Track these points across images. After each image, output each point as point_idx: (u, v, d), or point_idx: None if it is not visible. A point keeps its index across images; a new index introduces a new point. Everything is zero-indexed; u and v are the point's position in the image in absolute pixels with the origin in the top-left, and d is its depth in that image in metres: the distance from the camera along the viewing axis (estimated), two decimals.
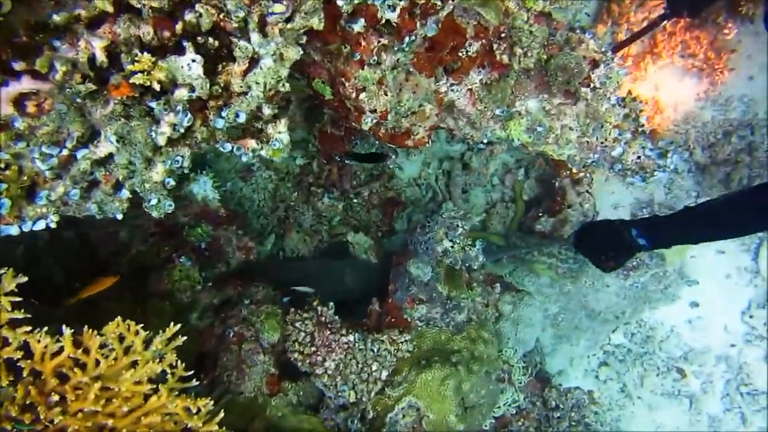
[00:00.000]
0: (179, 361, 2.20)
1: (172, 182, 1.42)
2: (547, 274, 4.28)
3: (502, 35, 2.00)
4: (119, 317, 2.12)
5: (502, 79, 2.13)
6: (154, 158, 1.36)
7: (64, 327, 2.00)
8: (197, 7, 1.28)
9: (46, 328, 1.99)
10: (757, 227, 3.10)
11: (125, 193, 1.42)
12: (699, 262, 4.61)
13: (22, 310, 1.97)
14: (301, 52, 1.42)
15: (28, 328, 1.96)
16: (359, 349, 2.83)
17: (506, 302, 3.62)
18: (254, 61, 1.36)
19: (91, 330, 2.06)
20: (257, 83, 1.38)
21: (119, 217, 1.47)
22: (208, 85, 1.33)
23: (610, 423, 4.83)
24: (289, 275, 3.55)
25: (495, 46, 1.97)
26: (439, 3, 1.67)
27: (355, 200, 3.78)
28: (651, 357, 4.76)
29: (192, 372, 2.20)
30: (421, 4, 1.63)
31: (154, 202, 1.45)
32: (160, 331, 2.19)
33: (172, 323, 2.21)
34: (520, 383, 3.53)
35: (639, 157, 2.40)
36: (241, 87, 1.38)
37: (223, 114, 1.38)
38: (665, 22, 2.84)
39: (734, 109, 4.31)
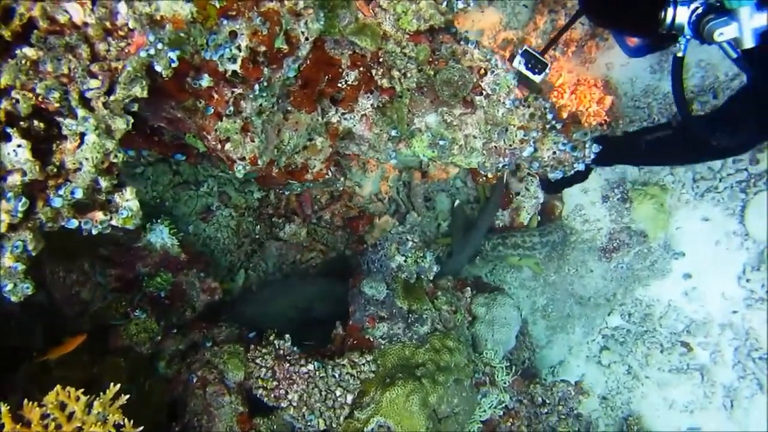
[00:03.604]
0: (126, 419, 2.24)
1: (19, 267, 1.46)
2: (527, 264, 4.26)
3: (380, 60, 2.01)
4: (58, 386, 2.16)
5: (395, 101, 2.15)
6: (4, 245, 1.41)
7: (0, 404, 2.05)
8: (13, 93, 1.32)
9: None
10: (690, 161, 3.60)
11: None
12: (685, 232, 4.53)
13: None
14: (131, 121, 1.46)
15: None
16: (320, 377, 2.85)
17: (479, 304, 3.61)
18: (82, 137, 1.40)
19: (30, 402, 2.11)
20: (86, 159, 1.42)
21: None
22: (38, 167, 1.37)
23: (621, 406, 4.76)
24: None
25: (374, 71, 1.98)
26: (285, 47, 1.69)
27: (317, 224, 3.82)
28: (652, 335, 4.68)
29: (140, 428, 2.24)
30: (263, 51, 1.65)
31: (9, 287, 1.49)
32: (101, 393, 2.23)
33: (111, 384, 2.25)
34: (505, 383, 3.51)
35: (554, 153, 2.39)
36: (74, 164, 1.42)
37: (60, 193, 1.43)
38: (577, 19, 2.87)
39: (693, 76, 4.24)
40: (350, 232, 3.89)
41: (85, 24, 1.36)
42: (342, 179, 3.52)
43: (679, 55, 2.56)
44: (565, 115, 3.72)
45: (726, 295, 4.59)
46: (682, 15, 2.43)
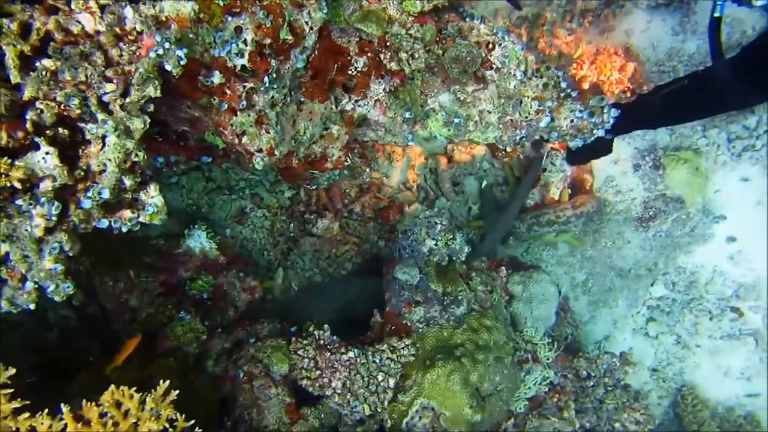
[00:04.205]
0: (178, 414, 2.34)
1: (59, 268, 1.55)
2: (564, 239, 4.23)
3: (387, 44, 2.06)
4: (113, 386, 2.27)
5: (407, 83, 2.18)
6: (43, 248, 1.51)
7: (62, 405, 2.17)
8: (37, 104, 1.41)
9: (46, 411, 2.17)
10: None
11: (29, 285, 1.57)
12: (724, 195, 4.45)
13: (18, 399, 2.14)
14: (148, 121, 1.53)
15: (27, 414, 2.14)
16: (362, 363, 2.91)
17: (516, 283, 3.60)
18: (104, 139, 1.49)
19: (89, 402, 2.22)
20: (109, 160, 1.50)
21: (31, 307, 1.62)
22: (66, 172, 1.46)
23: (673, 377, 4.70)
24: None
25: (382, 56, 2.03)
26: (290, 38, 1.74)
27: (349, 217, 3.88)
28: (699, 302, 4.60)
29: (192, 422, 2.33)
30: (268, 43, 1.71)
31: (52, 288, 1.59)
32: (152, 391, 2.33)
33: (161, 380, 2.35)
34: (548, 360, 3.50)
35: (572, 121, 2.39)
36: (99, 166, 1.51)
37: (88, 194, 1.51)
38: None
39: None
40: (382, 223, 3.94)
41: (97, 32, 1.44)
42: (368, 170, 3.58)
43: (716, 15, 2.52)
44: (586, 86, 3.70)
45: None
46: None
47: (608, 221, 4.28)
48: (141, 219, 1.64)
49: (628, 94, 3.83)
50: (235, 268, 3.50)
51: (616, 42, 4.05)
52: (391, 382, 2.92)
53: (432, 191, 3.99)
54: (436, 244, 3.11)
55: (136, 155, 1.54)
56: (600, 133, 2.44)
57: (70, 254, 1.56)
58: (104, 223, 1.59)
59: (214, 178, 3.87)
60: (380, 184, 3.92)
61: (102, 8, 1.41)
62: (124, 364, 2.84)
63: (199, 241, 3.45)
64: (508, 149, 2.45)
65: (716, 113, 3.96)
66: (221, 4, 1.61)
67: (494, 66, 2.19)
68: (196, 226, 3.45)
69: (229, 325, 3.33)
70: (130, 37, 1.46)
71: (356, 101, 2.16)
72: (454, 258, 3.18)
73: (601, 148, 3.24)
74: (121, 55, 1.46)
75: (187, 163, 3.00)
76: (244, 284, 3.50)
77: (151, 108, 1.55)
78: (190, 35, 1.60)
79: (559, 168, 3.71)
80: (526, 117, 2.29)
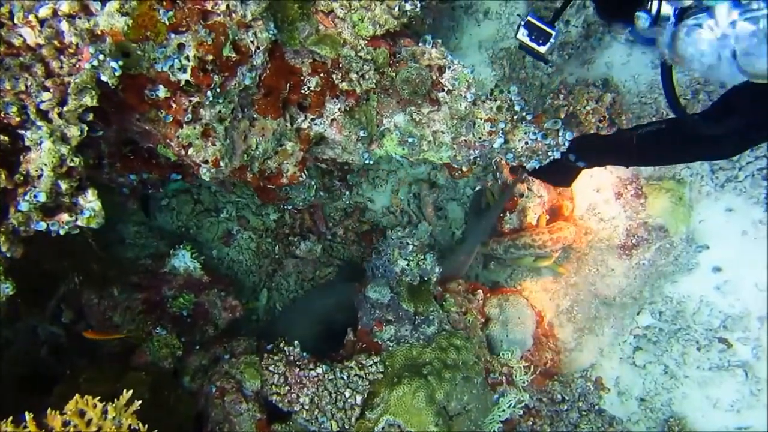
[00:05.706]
0: (140, 423, 2.42)
1: None
2: (546, 265, 4.27)
3: (339, 65, 2.18)
4: (77, 395, 2.37)
5: (362, 104, 2.29)
6: None
7: (26, 413, 2.26)
8: None
9: (11, 418, 2.26)
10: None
11: None
12: (709, 225, 4.47)
13: None
14: (86, 129, 1.66)
15: None
16: (329, 380, 2.97)
17: (493, 306, 3.66)
18: (40, 144, 1.61)
19: (53, 411, 2.32)
20: (45, 164, 1.62)
21: None
22: (3, 176, 1.58)
23: (661, 408, 4.66)
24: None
25: (334, 76, 2.15)
26: (234, 55, 1.87)
27: (332, 240, 3.98)
28: (687, 332, 4.58)
29: None
30: (210, 60, 1.84)
31: None
32: (115, 400, 2.43)
33: (124, 390, 2.45)
34: (524, 383, 3.53)
35: (527, 143, 2.48)
36: (36, 170, 1.63)
37: (26, 198, 1.63)
38: None
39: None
40: (365, 246, 4.03)
41: (39, 45, 1.58)
42: (348, 193, 3.69)
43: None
44: (562, 115, 3.80)
45: (759, 286, 4.47)
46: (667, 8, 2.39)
47: (591, 248, 4.32)
48: (78, 222, 1.74)
49: (605, 123, 3.92)
50: (217, 287, 3.60)
51: (596, 73, 4.15)
52: (359, 398, 2.97)
53: (415, 216, 4.08)
54: (407, 264, 3.19)
55: (72, 161, 1.66)
56: (556, 154, 2.52)
57: (8, 255, 1.66)
58: (42, 226, 1.70)
59: (202, 201, 4.00)
60: (364, 208, 4.03)
61: (41, 22, 1.55)
62: (99, 377, 2.93)
63: (183, 260, 3.56)
64: (464, 169, 2.53)
65: (691, 161, 3.94)
66: (166, 22, 1.75)
67: (445, 88, 2.29)
68: (181, 246, 3.57)
69: (208, 343, 3.42)
70: (70, 50, 1.60)
71: (312, 120, 2.27)
72: (426, 278, 3.25)
73: (565, 175, 3.24)
74: (61, 67, 1.60)
75: (165, 183, 3.13)
76: (225, 303, 3.59)
77: (91, 117, 1.68)
78: (138, 52, 1.74)
79: (536, 193, 3.79)
80: (480, 138, 2.38)
